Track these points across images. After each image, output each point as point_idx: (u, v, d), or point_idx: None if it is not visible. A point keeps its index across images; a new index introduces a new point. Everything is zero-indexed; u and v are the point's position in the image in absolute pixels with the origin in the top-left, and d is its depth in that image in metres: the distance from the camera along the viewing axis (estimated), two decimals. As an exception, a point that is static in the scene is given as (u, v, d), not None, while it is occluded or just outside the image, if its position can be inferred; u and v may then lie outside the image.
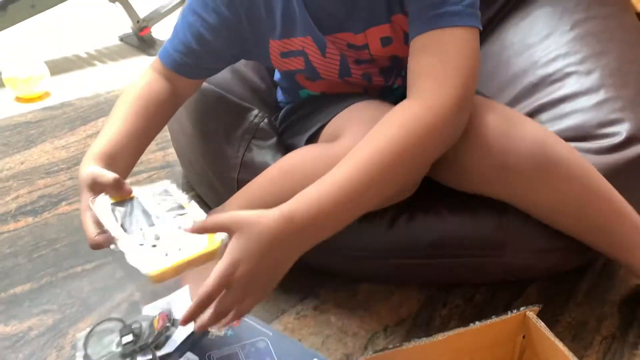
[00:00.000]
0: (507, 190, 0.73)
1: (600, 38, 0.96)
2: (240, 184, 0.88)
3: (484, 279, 0.87)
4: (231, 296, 0.57)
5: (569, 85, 0.92)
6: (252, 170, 0.87)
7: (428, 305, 0.84)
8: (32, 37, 2.18)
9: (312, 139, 0.84)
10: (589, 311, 0.83)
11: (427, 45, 0.66)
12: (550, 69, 0.96)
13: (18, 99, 1.57)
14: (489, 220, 0.80)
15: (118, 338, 0.68)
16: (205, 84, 0.94)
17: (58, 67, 1.98)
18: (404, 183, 0.71)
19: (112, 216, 0.62)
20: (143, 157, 1.22)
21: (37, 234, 1.00)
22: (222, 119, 0.93)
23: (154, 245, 0.59)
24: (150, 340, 0.66)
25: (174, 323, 0.70)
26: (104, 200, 0.63)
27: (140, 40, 2.27)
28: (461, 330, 0.62)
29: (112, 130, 0.75)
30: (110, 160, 0.70)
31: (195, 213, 0.63)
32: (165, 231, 0.61)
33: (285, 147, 0.90)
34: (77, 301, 0.86)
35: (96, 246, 0.62)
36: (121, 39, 2.37)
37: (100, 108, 1.53)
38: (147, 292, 0.85)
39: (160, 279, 0.56)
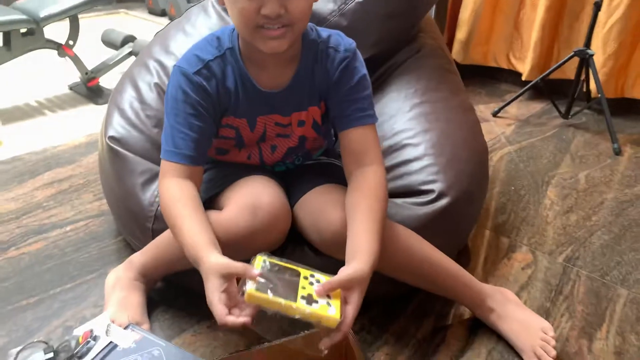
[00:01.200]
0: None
1: (429, 118, 1.27)
2: (155, 233, 1.14)
3: None
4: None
5: (404, 155, 1.22)
6: (164, 221, 1.10)
7: (297, 322, 1.11)
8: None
9: (211, 201, 1.09)
10: (412, 321, 1.13)
11: (362, 134, 1.00)
12: (393, 141, 1.26)
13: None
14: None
15: (42, 356, 0.92)
16: (125, 152, 1.20)
17: (10, 115, 2.18)
18: None
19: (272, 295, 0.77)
20: (81, 207, 1.49)
21: (-11, 275, 1.23)
22: (138, 179, 1.18)
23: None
24: (75, 351, 0.91)
25: (95, 338, 0.95)
26: (251, 285, 0.77)
27: (89, 90, 2.49)
28: (297, 336, 0.90)
29: (196, 228, 0.89)
30: (214, 246, 0.87)
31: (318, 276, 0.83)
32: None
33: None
34: (22, 327, 1.09)
35: (224, 325, 0.77)
36: (70, 88, 2.59)
37: (47, 162, 1.76)
38: (78, 319, 1.10)
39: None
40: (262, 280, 0.77)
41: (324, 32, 1.03)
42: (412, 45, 1.42)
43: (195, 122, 0.96)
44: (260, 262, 0.81)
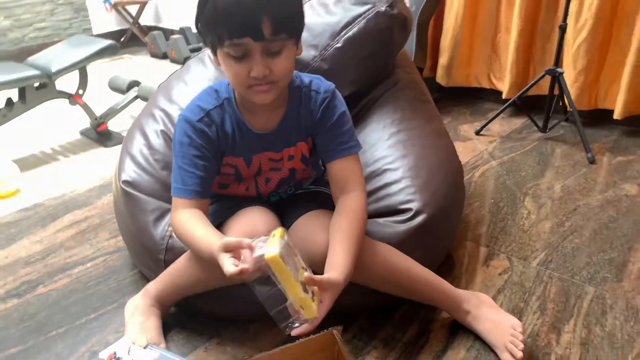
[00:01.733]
0: None
1: (406, 144, 1.42)
2: (167, 263, 1.28)
3: (328, 313, 1.24)
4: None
5: (384, 179, 1.37)
6: (174, 252, 1.27)
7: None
8: (1, 139, 2.52)
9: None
10: (399, 327, 1.26)
11: (345, 164, 1.16)
12: (374, 167, 1.41)
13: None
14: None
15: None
16: (137, 194, 1.36)
17: (27, 163, 2.34)
18: None
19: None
20: (99, 245, 1.64)
21: (21, 311, 1.38)
22: (149, 217, 1.33)
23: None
24: (103, 371, 1.06)
25: (118, 359, 1.09)
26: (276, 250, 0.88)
27: (99, 134, 2.64)
28: (293, 344, 1.03)
29: (206, 232, 1.06)
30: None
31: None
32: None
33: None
34: (53, 355, 1.23)
35: (234, 274, 0.91)
36: (81, 133, 2.75)
37: (66, 206, 1.92)
38: (102, 343, 1.25)
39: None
40: (282, 250, 0.89)
41: (306, 77, 1.19)
42: (388, 80, 1.58)
43: (200, 162, 1.12)
44: (281, 234, 0.93)
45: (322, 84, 1.19)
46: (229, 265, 0.93)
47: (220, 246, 0.96)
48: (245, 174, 1.23)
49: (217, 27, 0.99)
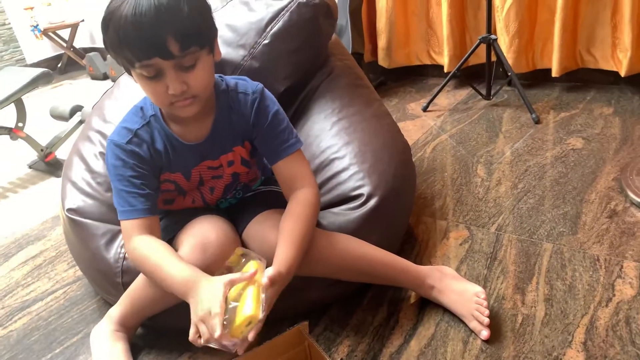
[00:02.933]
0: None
1: (348, 131, 1.42)
2: (125, 285, 1.25)
3: (299, 311, 1.26)
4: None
5: (333, 168, 1.37)
6: (131, 274, 1.24)
7: (264, 334, 1.24)
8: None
9: (171, 243, 1.21)
10: (368, 311, 1.26)
11: (289, 163, 1.14)
12: (321, 158, 1.40)
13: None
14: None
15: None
16: (84, 220, 1.33)
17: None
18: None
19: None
20: (58, 277, 1.60)
21: (-17, 357, 1.33)
22: (100, 241, 1.30)
23: None
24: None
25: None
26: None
27: (47, 165, 2.57)
28: (260, 346, 1.03)
29: (179, 267, 1.03)
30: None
31: None
32: None
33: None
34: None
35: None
36: (30, 167, 2.67)
37: (18, 243, 1.86)
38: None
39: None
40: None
41: (232, 80, 1.17)
42: (323, 70, 1.58)
43: (138, 181, 1.10)
44: (238, 255, 1.04)
45: (249, 85, 1.16)
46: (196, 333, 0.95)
47: (222, 278, 0.97)
48: (187, 187, 1.21)
49: (122, 50, 0.96)
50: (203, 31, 0.99)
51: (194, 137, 1.14)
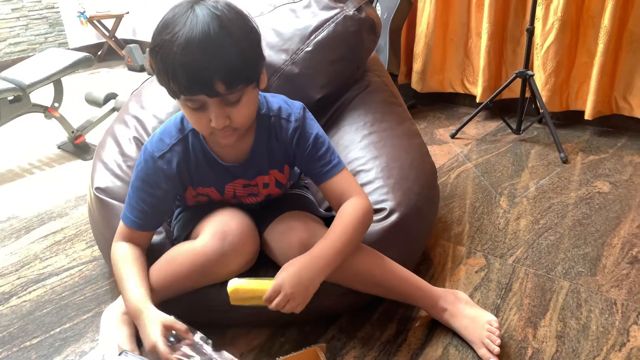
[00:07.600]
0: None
1: (377, 146, 1.44)
2: (142, 269, 1.27)
3: (309, 317, 1.26)
4: (283, 298, 1.00)
5: (358, 180, 1.37)
6: (149, 258, 1.26)
7: (272, 338, 1.25)
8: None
9: (190, 235, 1.24)
10: (377, 326, 1.26)
11: (335, 183, 1.15)
12: (349, 168, 1.41)
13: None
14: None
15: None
16: (110, 200, 1.35)
17: (3, 179, 2.31)
18: (357, 246, 1.15)
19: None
20: (75, 255, 1.62)
21: (-5, 323, 1.36)
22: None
23: None
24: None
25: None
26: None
27: (76, 147, 2.62)
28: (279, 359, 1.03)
29: (137, 284, 1.08)
30: (151, 301, 1.06)
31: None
32: None
33: (175, 239, 1.30)
34: (28, 365, 1.22)
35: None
36: (59, 147, 2.72)
37: (41, 218, 1.90)
38: (77, 353, 1.23)
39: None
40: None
41: (274, 102, 1.16)
42: (360, 84, 1.60)
43: (149, 199, 1.13)
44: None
45: (292, 109, 1.15)
46: (166, 349, 0.97)
47: (162, 318, 1.01)
48: (219, 200, 1.23)
49: (169, 82, 0.95)
50: (250, 70, 0.97)
51: (232, 159, 1.16)
